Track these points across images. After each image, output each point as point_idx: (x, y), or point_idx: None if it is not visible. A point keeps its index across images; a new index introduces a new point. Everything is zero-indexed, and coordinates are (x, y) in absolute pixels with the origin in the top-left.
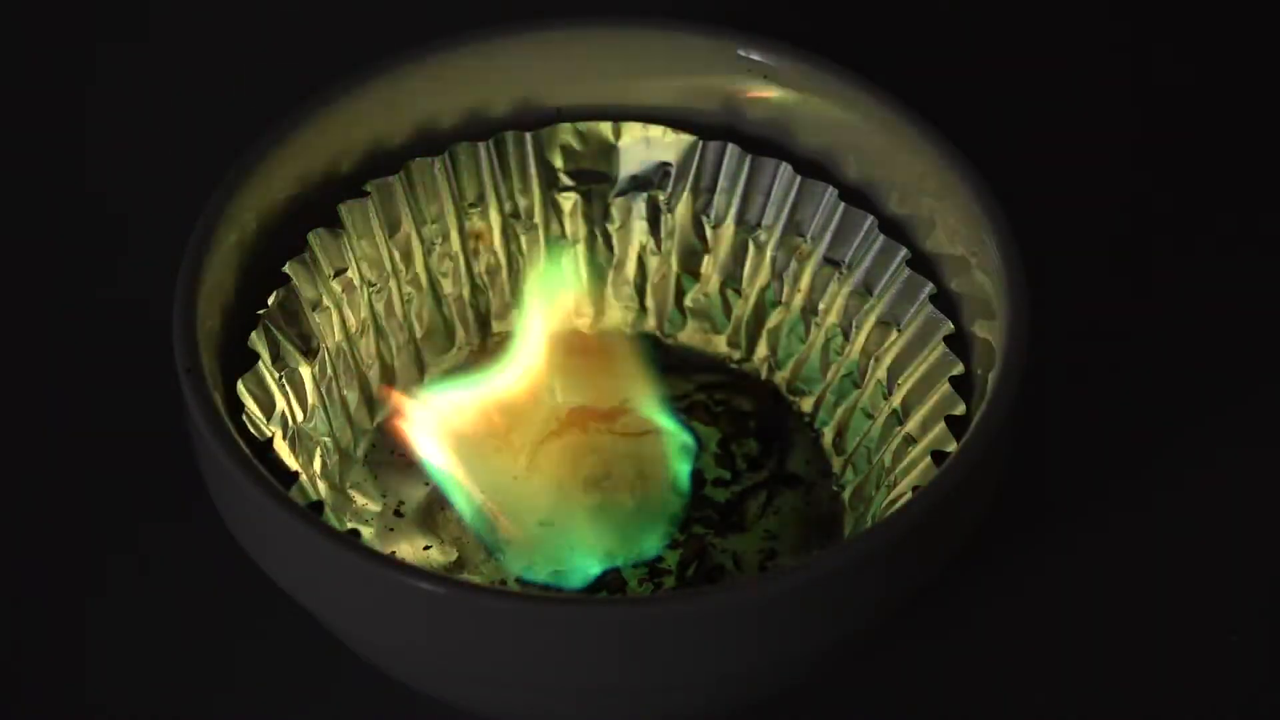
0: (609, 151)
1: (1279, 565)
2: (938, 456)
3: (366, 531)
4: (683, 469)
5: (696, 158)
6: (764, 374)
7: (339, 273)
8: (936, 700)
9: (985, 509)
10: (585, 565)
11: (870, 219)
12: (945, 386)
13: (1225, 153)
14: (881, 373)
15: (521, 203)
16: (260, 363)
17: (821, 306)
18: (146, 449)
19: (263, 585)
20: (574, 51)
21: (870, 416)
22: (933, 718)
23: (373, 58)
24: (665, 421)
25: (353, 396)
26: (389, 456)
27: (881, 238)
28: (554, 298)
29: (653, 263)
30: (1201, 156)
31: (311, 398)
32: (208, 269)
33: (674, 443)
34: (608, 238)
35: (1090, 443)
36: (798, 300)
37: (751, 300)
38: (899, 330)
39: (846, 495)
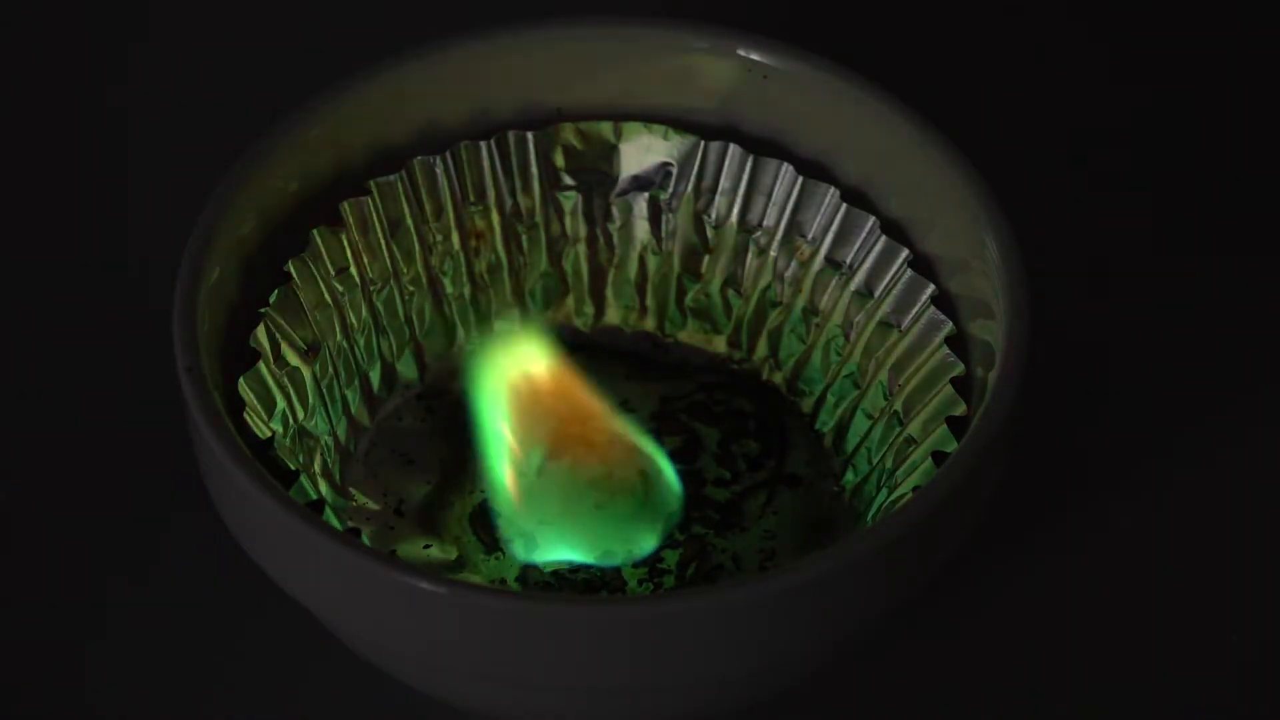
0: (610, 151)
1: (1279, 565)
2: (939, 457)
3: (366, 531)
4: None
5: (698, 158)
6: (764, 374)
7: (340, 271)
8: (936, 700)
9: (986, 509)
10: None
11: (872, 220)
12: (946, 387)
13: (1225, 153)
14: (883, 374)
15: (523, 202)
16: (261, 361)
17: (822, 307)
18: (146, 449)
19: (263, 585)
20: (575, 51)
21: (871, 417)
22: (933, 718)
23: (375, 57)
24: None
25: (353, 395)
26: (389, 456)
27: (883, 238)
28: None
29: (654, 262)
30: (1202, 157)
31: (312, 396)
32: (208, 267)
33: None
34: (609, 237)
35: (1090, 443)
36: (799, 301)
37: (752, 301)
38: (900, 331)
39: (846, 495)
